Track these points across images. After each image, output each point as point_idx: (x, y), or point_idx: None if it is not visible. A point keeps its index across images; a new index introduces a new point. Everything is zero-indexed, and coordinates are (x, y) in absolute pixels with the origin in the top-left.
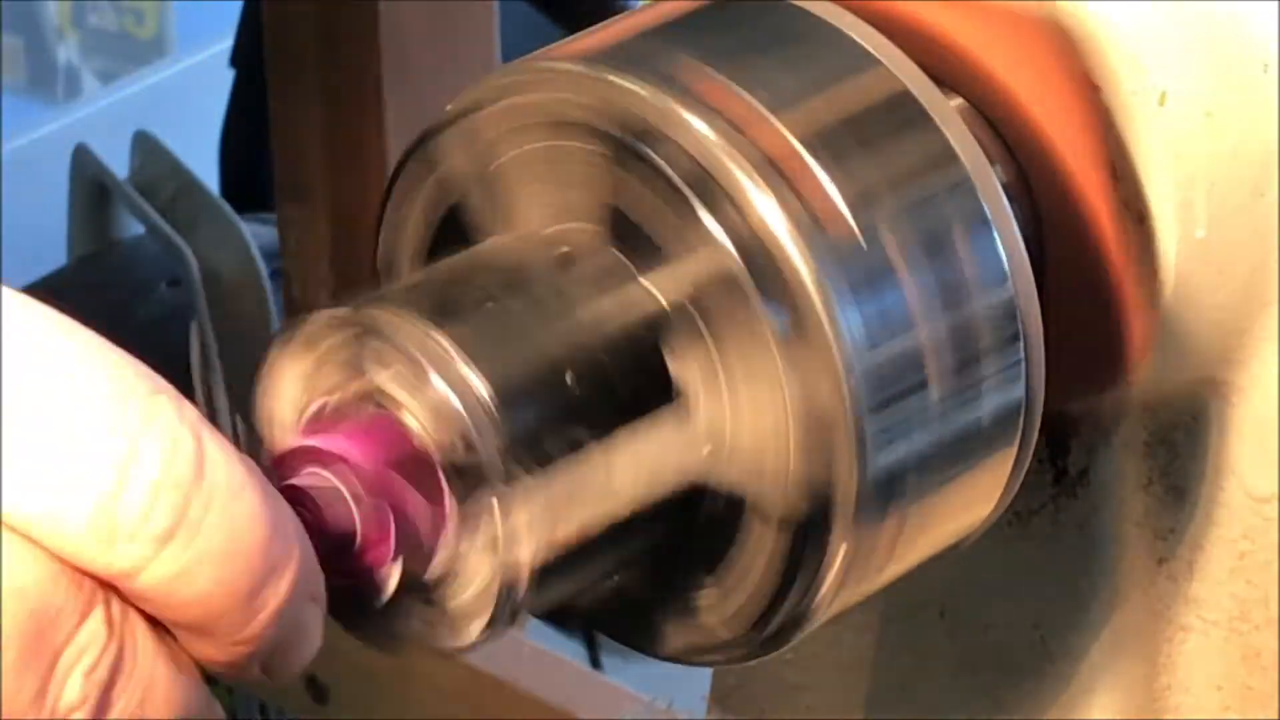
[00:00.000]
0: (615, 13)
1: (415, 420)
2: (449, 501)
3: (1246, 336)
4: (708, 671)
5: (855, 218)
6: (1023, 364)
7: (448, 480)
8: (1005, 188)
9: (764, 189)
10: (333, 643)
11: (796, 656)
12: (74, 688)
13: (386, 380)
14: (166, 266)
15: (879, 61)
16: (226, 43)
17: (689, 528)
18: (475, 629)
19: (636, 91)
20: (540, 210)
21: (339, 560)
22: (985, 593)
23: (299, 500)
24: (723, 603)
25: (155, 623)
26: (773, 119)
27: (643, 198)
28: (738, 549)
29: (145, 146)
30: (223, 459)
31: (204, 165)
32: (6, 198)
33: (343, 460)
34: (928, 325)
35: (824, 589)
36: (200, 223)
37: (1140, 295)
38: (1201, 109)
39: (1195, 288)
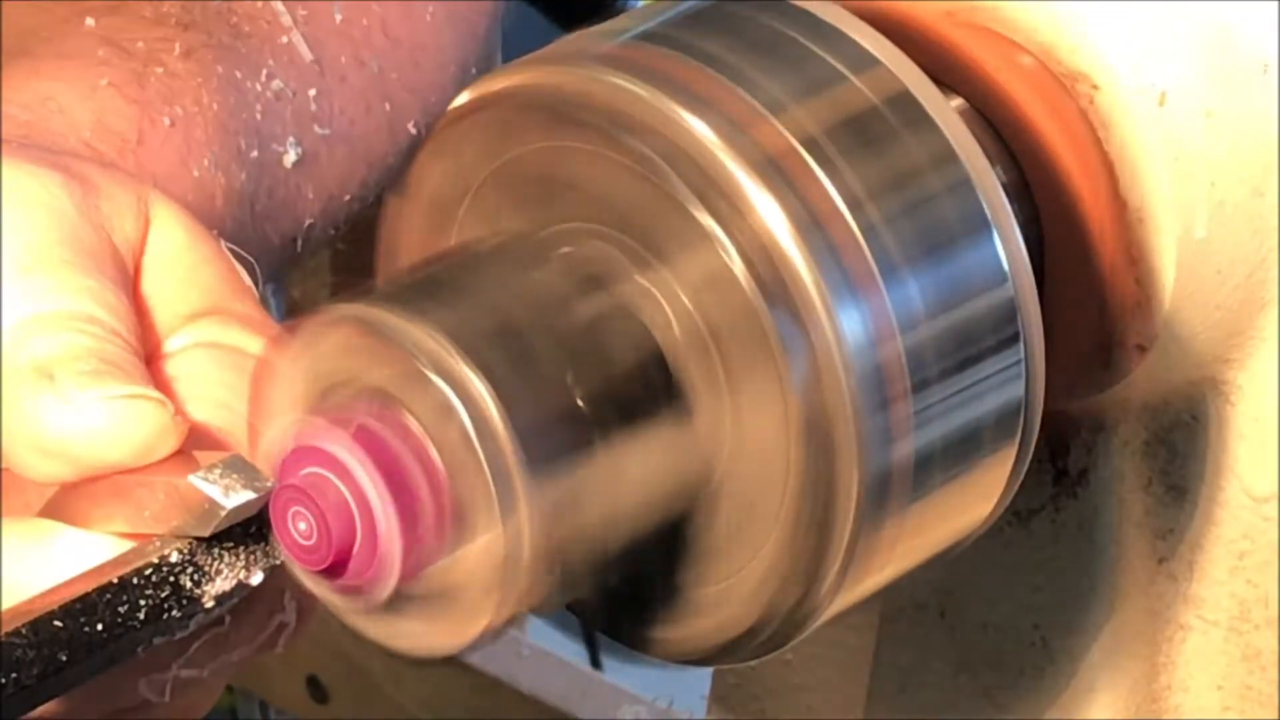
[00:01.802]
0: (615, 13)
1: (416, 420)
2: (449, 501)
3: (1246, 336)
4: (708, 671)
5: (855, 218)
6: (1023, 364)
7: (448, 480)
8: (1005, 188)
9: (764, 189)
10: (333, 643)
11: (796, 656)
12: None
13: (387, 379)
14: None
15: (879, 61)
16: None
17: (689, 527)
18: (475, 629)
19: (637, 91)
20: (541, 210)
21: (340, 559)
22: (985, 593)
23: (300, 501)
24: (723, 603)
25: None
26: (772, 119)
27: (643, 198)
28: (738, 549)
29: None
30: None
31: None
32: None
33: (343, 460)
34: (928, 325)
35: (824, 589)
36: None
37: (1140, 295)
38: (1201, 109)
39: (1195, 288)
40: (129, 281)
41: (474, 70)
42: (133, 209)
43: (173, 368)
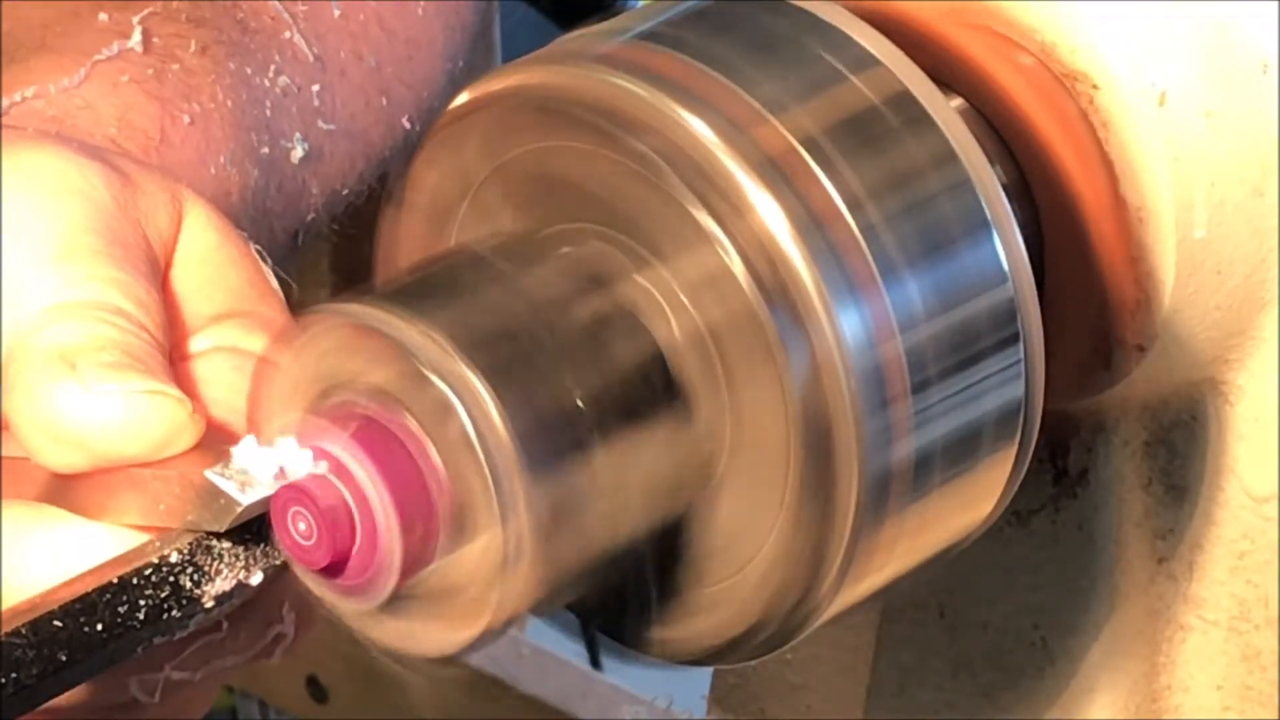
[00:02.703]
0: (615, 13)
1: (415, 420)
2: (449, 501)
3: (1246, 336)
4: (708, 671)
5: (855, 218)
6: (1022, 364)
7: (448, 480)
8: (1005, 188)
9: (764, 189)
10: (333, 643)
11: (796, 656)
12: None
13: (387, 379)
14: None
15: (879, 61)
16: None
17: (689, 527)
18: (475, 629)
19: (636, 91)
20: (541, 210)
21: (340, 559)
22: (985, 593)
23: (300, 501)
24: (723, 603)
25: None
26: (772, 119)
27: (642, 197)
28: (738, 549)
29: None
30: None
31: None
32: None
33: (343, 460)
34: (928, 325)
35: (824, 589)
36: None
37: (1140, 295)
38: (1201, 109)
39: (1195, 288)
40: (159, 277)
41: (462, 64)
42: (167, 206)
43: (195, 370)
